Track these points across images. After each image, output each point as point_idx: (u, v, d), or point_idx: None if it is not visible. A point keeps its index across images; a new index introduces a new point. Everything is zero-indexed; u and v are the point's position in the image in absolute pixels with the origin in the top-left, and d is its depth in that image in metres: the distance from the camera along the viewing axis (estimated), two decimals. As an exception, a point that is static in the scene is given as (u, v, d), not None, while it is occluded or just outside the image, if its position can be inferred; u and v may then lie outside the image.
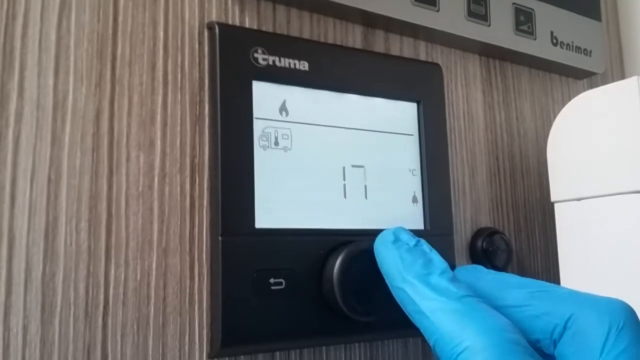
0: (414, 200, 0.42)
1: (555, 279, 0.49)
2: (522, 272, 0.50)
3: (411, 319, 0.31)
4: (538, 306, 0.31)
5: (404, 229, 0.35)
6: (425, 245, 0.34)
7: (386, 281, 0.33)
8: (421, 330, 0.30)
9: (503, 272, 0.35)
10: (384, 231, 0.35)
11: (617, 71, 0.64)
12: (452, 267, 0.42)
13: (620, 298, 0.37)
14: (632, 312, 0.29)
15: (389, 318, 0.38)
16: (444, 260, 0.33)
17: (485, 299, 0.32)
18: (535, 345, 0.30)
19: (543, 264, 0.52)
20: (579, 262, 0.42)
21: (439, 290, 0.30)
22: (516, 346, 0.27)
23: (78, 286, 0.31)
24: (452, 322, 0.28)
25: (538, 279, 0.50)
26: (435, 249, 0.38)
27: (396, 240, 0.34)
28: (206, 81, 0.37)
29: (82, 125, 0.33)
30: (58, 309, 0.31)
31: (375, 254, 0.35)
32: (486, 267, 0.46)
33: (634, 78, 0.40)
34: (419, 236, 0.41)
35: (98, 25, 0.34)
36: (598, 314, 0.29)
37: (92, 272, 0.32)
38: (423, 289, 0.30)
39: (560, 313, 0.30)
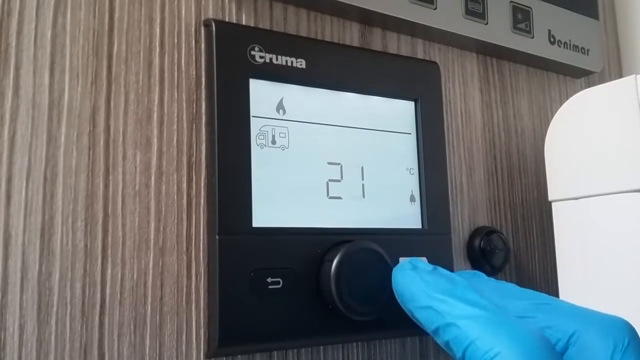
0: (412, 199, 0.42)
1: (553, 278, 0.49)
2: (520, 271, 0.50)
3: (436, 338, 0.31)
4: (541, 319, 0.31)
5: (418, 259, 0.36)
6: (443, 270, 0.34)
7: (407, 307, 0.34)
8: (449, 344, 0.30)
9: (504, 282, 0.35)
10: (399, 263, 0.36)
11: (614, 70, 0.64)
12: (450, 267, 0.42)
13: (618, 300, 0.37)
14: (634, 331, 0.30)
15: (386, 317, 0.38)
16: (464, 280, 0.33)
17: None
18: None
19: (541, 262, 0.52)
20: (576, 261, 0.42)
21: (468, 301, 0.30)
22: (547, 353, 0.27)
23: (74, 285, 0.31)
24: (483, 329, 0.29)
25: (535, 277, 0.51)
26: (433, 249, 0.38)
27: (414, 267, 0.35)
28: (203, 79, 0.37)
29: (78, 123, 0.32)
30: (54, 308, 0.30)
31: (393, 283, 0.35)
32: (484, 266, 0.46)
33: (632, 77, 0.40)
34: (416, 235, 0.41)
35: (94, 23, 0.34)
36: (602, 332, 0.29)
37: (89, 272, 0.32)
38: (452, 301, 0.31)
39: (563, 328, 0.30)
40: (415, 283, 0.33)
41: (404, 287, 0.34)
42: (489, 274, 0.47)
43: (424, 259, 0.37)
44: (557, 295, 0.43)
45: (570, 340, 0.30)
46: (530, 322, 0.31)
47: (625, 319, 0.30)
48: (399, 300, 0.35)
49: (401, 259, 0.37)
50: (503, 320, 0.29)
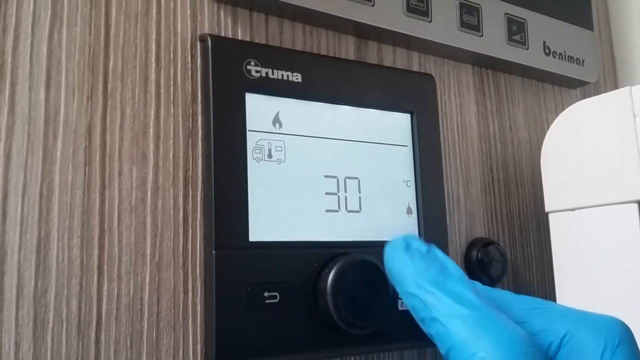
0: (409, 211, 0.42)
1: (551, 289, 0.49)
2: (518, 282, 0.50)
3: (422, 326, 0.30)
4: (534, 324, 0.30)
5: (414, 236, 0.34)
6: (438, 252, 0.33)
7: (396, 288, 0.32)
8: (434, 338, 0.29)
9: (498, 289, 0.35)
10: (394, 238, 0.34)
11: (610, 80, 0.65)
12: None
13: (616, 310, 0.37)
14: (627, 330, 0.29)
15: (384, 331, 0.38)
16: (458, 267, 0.32)
17: None
18: None
19: (538, 274, 0.52)
20: (574, 272, 0.42)
21: (455, 297, 0.29)
22: (532, 358, 0.27)
23: (70, 302, 0.31)
24: (468, 330, 0.28)
25: (533, 288, 0.51)
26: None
27: (408, 247, 0.33)
28: (199, 94, 0.37)
29: (74, 139, 0.32)
30: (50, 325, 0.30)
31: (385, 260, 0.34)
32: (481, 277, 0.46)
33: (627, 88, 0.40)
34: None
35: (90, 39, 0.34)
36: (594, 331, 0.29)
37: (85, 288, 0.32)
38: (439, 295, 0.30)
39: (556, 330, 0.30)
40: (406, 266, 0.32)
41: (394, 268, 0.33)
42: (486, 285, 0.47)
43: (414, 235, 0.35)
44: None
45: (563, 341, 0.29)
46: (524, 327, 0.30)
47: (621, 319, 0.30)
48: (390, 279, 0.33)
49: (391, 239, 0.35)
50: (490, 322, 0.28)
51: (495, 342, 0.27)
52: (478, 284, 0.36)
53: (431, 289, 0.30)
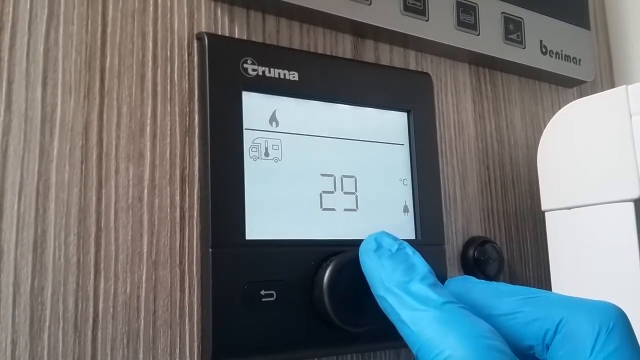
0: (405, 210, 0.42)
1: (547, 288, 0.49)
2: (514, 280, 0.50)
3: (396, 328, 0.31)
4: (529, 312, 0.31)
5: (386, 233, 0.35)
6: (408, 249, 0.33)
7: (371, 290, 0.33)
8: (404, 339, 0.30)
9: (493, 282, 0.35)
10: (366, 238, 0.35)
11: (606, 79, 0.65)
12: (444, 277, 0.42)
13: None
14: (622, 314, 0.30)
15: (380, 328, 0.37)
16: (426, 263, 0.32)
17: (477, 309, 0.32)
18: (528, 352, 0.30)
19: (534, 272, 0.52)
20: (570, 271, 0.42)
21: (419, 299, 0.30)
22: (497, 353, 0.27)
23: (67, 300, 0.31)
24: (432, 330, 0.28)
25: (529, 286, 0.50)
26: (427, 259, 0.38)
27: (378, 247, 0.34)
28: (196, 92, 0.37)
29: (71, 137, 0.32)
30: (47, 323, 0.30)
31: (360, 262, 0.34)
32: (478, 276, 0.46)
33: (623, 87, 0.40)
34: (411, 246, 0.41)
35: (86, 37, 0.34)
36: (588, 316, 0.29)
37: (81, 286, 0.32)
38: (404, 297, 0.30)
39: (551, 318, 0.30)
40: (375, 267, 0.33)
41: (365, 269, 0.34)
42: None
43: (385, 232, 0.35)
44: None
45: (558, 327, 0.29)
46: (519, 316, 0.31)
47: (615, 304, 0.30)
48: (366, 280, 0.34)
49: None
50: (453, 320, 0.28)
51: (460, 339, 0.27)
52: (472, 278, 0.36)
53: (396, 291, 0.31)
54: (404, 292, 0.30)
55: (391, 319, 0.31)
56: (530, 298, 0.32)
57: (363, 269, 0.34)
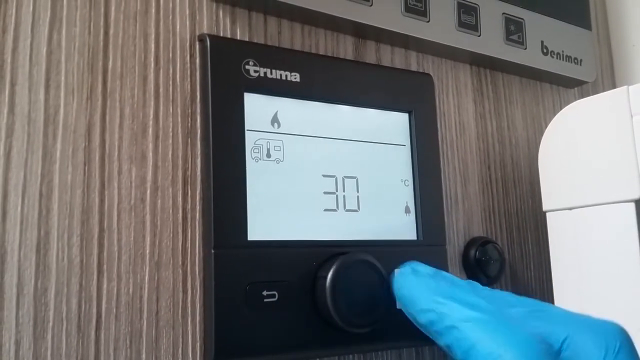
0: (407, 210, 0.43)
1: (548, 288, 0.49)
2: (515, 281, 0.50)
3: (438, 339, 0.32)
4: (535, 325, 0.31)
5: (419, 262, 0.37)
6: (444, 272, 0.35)
7: (409, 311, 0.34)
8: (450, 347, 0.31)
9: (498, 290, 0.35)
10: (401, 267, 0.37)
11: (607, 79, 0.65)
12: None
13: (613, 308, 0.37)
14: (627, 336, 0.30)
15: (382, 329, 0.38)
16: (466, 280, 0.34)
17: None
18: None
19: (536, 273, 0.52)
20: (571, 271, 0.42)
21: (469, 304, 0.31)
22: (546, 356, 0.28)
23: (70, 301, 0.31)
24: (484, 332, 0.29)
25: (531, 287, 0.51)
26: (428, 260, 0.38)
27: (415, 271, 0.35)
28: (198, 93, 0.37)
29: (74, 139, 0.32)
30: (50, 324, 0.31)
31: (394, 288, 0.36)
32: (479, 276, 0.46)
33: (624, 88, 0.40)
34: (412, 246, 0.42)
35: (89, 39, 0.34)
36: (594, 336, 0.30)
37: (85, 287, 0.32)
38: (453, 304, 0.31)
39: (556, 334, 0.30)
40: (417, 287, 0.34)
41: (406, 291, 0.35)
42: (484, 285, 0.47)
43: (419, 262, 0.37)
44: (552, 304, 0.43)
45: (563, 345, 0.30)
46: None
47: (620, 324, 0.30)
48: (400, 305, 0.35)
49: (398, 268, 0.37)
50: (505, 324, 0.29)
51: (512, 342, 0.28)
52: (477, 284, 0.36)
53: (444, 300, 0.32)
54: (452, 300, 0.32)
55: (434, 330, 0.32)
56: (537, 311, 0.32)
57: (400, 292, 0.35)
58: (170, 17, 0.37)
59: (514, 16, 0.52)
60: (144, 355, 0.33)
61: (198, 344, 0.34)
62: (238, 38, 0.39)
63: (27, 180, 0.31)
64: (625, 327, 0.38)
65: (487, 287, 0.36)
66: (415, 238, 0.42)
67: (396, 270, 0.36)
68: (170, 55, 0.36)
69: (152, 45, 0.36)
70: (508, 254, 0.50)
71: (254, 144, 0.37)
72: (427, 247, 0.43)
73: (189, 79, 0.37)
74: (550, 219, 0.44)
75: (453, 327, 0.30)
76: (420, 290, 0.34)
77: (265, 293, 0.35)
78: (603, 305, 0.40)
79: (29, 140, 0.31)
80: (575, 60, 0.57)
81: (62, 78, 0.33)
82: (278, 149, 0.38)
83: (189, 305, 0.35)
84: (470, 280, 0.38)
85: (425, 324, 0.33)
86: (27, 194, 0.31)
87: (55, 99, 0.32)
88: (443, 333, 0.31)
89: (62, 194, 0.32)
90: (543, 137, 0.45)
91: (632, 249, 0.39)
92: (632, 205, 0.39)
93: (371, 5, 0.43)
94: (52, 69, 0.32)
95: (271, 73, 0.38)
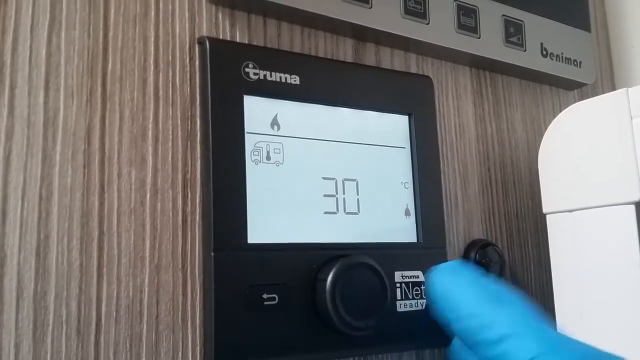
0: (407, 213, 0.42)
1: (548, 291, 0.49)
2: (515, 283, 0.50)
3: (478, 349, 0.30)
4: None
5: (460, 262, 0.34)
6: (487, 276, 0.33)
7: (445, 314, 0.32)
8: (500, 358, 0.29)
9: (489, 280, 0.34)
10: (439, 266, 0.34)
11: (607, 81, 0.65)
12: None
13: (614, 312, 0.37)
14: None
15: (382, 332, 0.38)
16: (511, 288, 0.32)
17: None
18: None
19: (536, 274, 0.52)
20: (571, 274, 0.42)
21: (517, 317, 0.29)
22: None
23: (70, 304, 0.31)
24: (538, 347, 0.28)
25: (531, 290, 0.51)
26: (429, 263, 0.38)
27: (455, 271, 0.33)
28: (197, 96, 0.37)
29: (73, 142, 0.32)
30: (50, 327, 0.30)
31: (432, 289, 0.33)
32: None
33: (623, 90, 0.40)
34: (412, 249, 0.41)
35: (88, 41, 0.34)
36: None
37: (84, 290, 0.32)
38: (504, 313, 0.30)
39: None
40: (460, 290, 0.32)
41: (444, 291, 0.32)
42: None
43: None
44: (552, 307, 0.43)
45: None
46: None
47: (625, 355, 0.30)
48: (435, 308, 0.33)
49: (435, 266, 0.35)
50: (563, 343, 0.28)
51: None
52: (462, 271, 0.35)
53: (495, 307, 0.30)
54: (502, 308, 0.30)
55: (478, 339, 0.30)
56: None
57: (437, 292, 0.33)
58: (170, 19, 0.37)
59: (514, 18, 0.52)
60: (144, 359, 0.33)
61: (198, 347, 0.34)
62: (237, 41, 0.39)
63: (27, 183, 0.31)
64: (626, 330, 0.38)
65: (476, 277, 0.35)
66: (415, 240, 0.42)
67: (432, 269, 0.34)
68: (170, 58, 0.36)
69: (152, 48, 0.36)
70: (508, 256, 0.50)
71: (254, 146, 0.37)
72: (427, 250, 0.42)
73: (188, 82, 0.37)
74: (550, 221, 0.44)
75: (509, 337, 0.28)
76: (463, 293, 0.31)
77: (265, 296, 0.35)
78: (603, 308, 0.40)
79: (28, 143, 0.31)
80: (575, 62, 0.57)
81: (62, 81, 0.33)
82: (278, 151, 0.38)
83: (189, 308, 0.35)
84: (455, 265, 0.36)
85: (464, 331, 0.30)
86: (27, 197, 0.31)
87: (55, 101, 0.32)
88: (490, 343, 0.29)
89: (61, 197, 0.32)
90: (543, 139, 0.45)
91: (632, 251, 0.39)
92: (632, 207, 0.39)
93: (371, 8, 0.43)
94: (51, 72, 0.32)
95: (271, 75, 0.38)
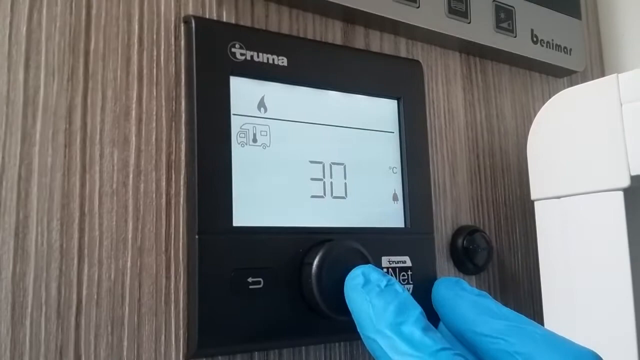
0: (395, 198, 0.42)
1: (536, 277, 0.49)
2: (503, 269, 0.50)
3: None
4: (513, 343, 0.31)
5: (373, 267, 0.34)
6: (397, 285, 0.32)
7: (358, 329, 0.32)
8: None
9: (484, 293, 0.35)
10: (352, 271, 0.34)
11: (597, 69, 0.64)
12: (433, 267, 0.42)
13: (600, 298, 0.37)
14: None
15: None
16: (417, 303, 0.31)
17: (462, 322, 0.33)
18: None
19: (523, 261, 0.52)
20: (559, 260, 0.42)
21: (413, 344, 0.29)
22: None
23: (50, 286, 0.30)
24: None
25: (518, 276, 0.50)
26: (416, 248, 0.38)
27: (366, 282, 0.33)
28: (182, 76, 0.36)
29: (54, 121, 0.32)
30: (29, 309, 0.30)
31: (345, 297, 0.34)
32: (467, 266, 0.46)
33: (613, 76, 0.40)
34: (399, 234, 0.41)
35: (70, 19, 0.33)
36: (561, 357, 0.29)
37: (65, 272, 0.31)
38: (396, 341, 0.29)
39: (533, 356, 0.30)
40: (363, 306, 0.31)
41: (353, 306, 0.33)
42: (471, 273, 0.47)
43: (373, 266, 0.35)
44: (539, 294, 0.43)
45: None
46: (501, 343, 0.31)
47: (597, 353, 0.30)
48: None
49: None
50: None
51: None
52: (465, 283, 0.36)
53: (388, 333, 0.30)
54: (396, 335, 0.29)
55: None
56: (517, 327, 0.32)
57: (350, 306, 0.33)
58: (155, -3, 0.36)
59: (504, 4, 0.52)
60: (125, 342, 0.32)
61: (181, 330, 0.34)
62: (224, 20, 0.38)
63: (6, 162, 0.30)
64: (613, 316, 0.38)
65: (474, 288, 0.36)
66: (402, 226, 0.42)
67: (348, 275, 0.34)
68: (155, 37, 0.36)
69: (136, 27, 0.35)
70: (496, 243, 0.50)
71: (240, 128, 0.36)
72: (415, 235, 0.42)
73: (173, 62, 0.36)
74: (539, 207, 0.44)
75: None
76: (366, 312, 0.31)
77: (250, 279, 0.35)
78: (590, 294, 0.40)
79: (7, 122, 0.30)
80: (565, 50, 0.56)
81: (43, 58, 0.32)
82: (264, 134, 0.37)
83: (172, 291, 0.34)
84: (458, 278, 0.37)
85: (370, 351, 0.31)
86: (6, 177, 0.30)
87: (35, 79, 0.31)
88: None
89: (41, 177, 0.31)
90: (532, 126, 0.45)
91: (620, 237, 0.39)
92: (621, 193, 0.39)
93: (360, -10, 0.42)
94: (32, 49, 0.32)
95: (258, 56, 0.38)
